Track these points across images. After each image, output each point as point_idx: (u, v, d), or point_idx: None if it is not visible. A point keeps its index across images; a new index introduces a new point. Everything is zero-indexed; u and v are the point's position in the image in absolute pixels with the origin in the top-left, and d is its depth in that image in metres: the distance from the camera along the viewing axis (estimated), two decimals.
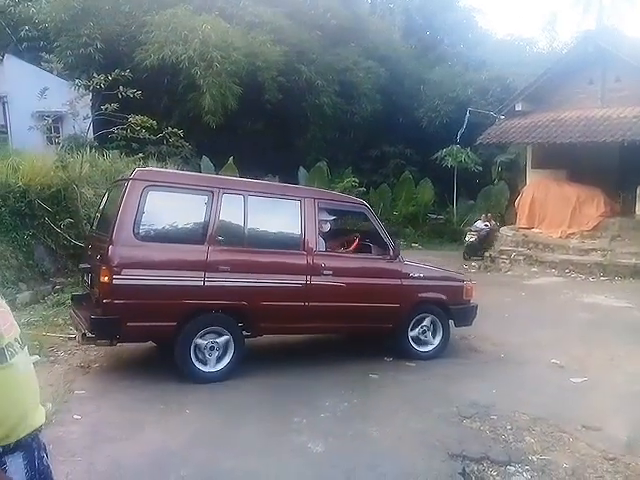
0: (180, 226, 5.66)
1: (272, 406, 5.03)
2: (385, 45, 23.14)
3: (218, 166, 17.24)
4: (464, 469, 3.97)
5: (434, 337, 6.70)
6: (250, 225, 5.75)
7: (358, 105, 20.51)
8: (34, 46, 18.22)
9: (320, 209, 6.20)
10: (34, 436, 1.62)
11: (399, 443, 4.37)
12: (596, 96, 13.82)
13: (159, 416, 4.72)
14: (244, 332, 5.81)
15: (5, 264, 8.03)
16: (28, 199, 8.71)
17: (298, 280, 5.89)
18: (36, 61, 16.39)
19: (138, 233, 5.26)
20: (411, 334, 6.56)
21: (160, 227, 5.52)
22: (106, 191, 6.78)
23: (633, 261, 12.07)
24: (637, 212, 13.21)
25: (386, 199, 19.90)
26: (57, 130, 16.38)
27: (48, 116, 13.75)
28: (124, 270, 5.16)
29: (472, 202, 19.94)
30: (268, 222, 6.02)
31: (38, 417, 1.66)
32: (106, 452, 4.02)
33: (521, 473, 3.96)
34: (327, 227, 6.39)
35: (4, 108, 16.38)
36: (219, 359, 5.55)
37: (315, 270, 5.94)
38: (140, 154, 12.56)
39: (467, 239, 15.66)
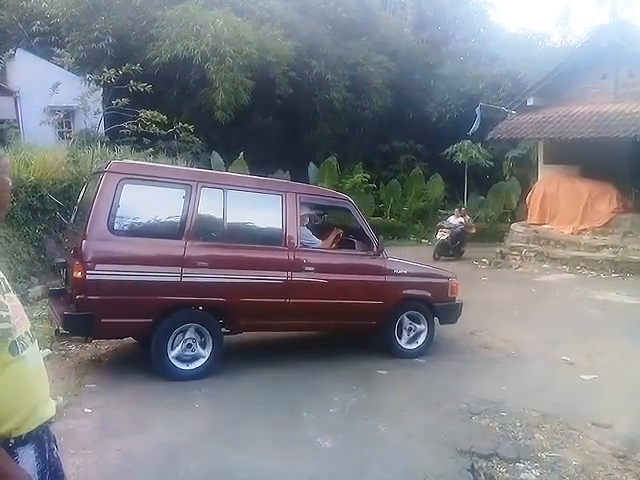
0: (157, 220, 5.50)
1: (281, 401, 5.04)
2: (396, 39, 23.03)
3: (228, 161, 17.26)
4: (473, 465, 3.96)
5: (418, 335, 6.59)
6: (230, 220, 5.62)
7: (368, 100, 20.42)
8: (46, 41, 18.28)
9: (302, 204, 6.09)
10: (45, 428, 1.64)
11: (408, 439, 4.37)
12: (609, 91, 13.67)
13: (168, 410, 4.74)
14: (223, 329, 5.70)
15: (17, 258, 8.10)
16: (40, 194, 8.76)
17: (279, 276, 5.77)
18: (48, 56, 16.48)
19: (113, 227, 5.13)
20: (396, 332, 6.46)
21: (136, 221, 5.38)
22: (84, 184, 6.59)
23: None
24: None
25: (396, 195, 19.86)
26: (68, 125, 16.47)
27: (59, 111, 13.83)
28: (98, 265, 5.02)
29: (483, 198, 19.85)
30: (248, 217, 5.91)
31: (49, 410, 1.67)
32: (116, 445, 4.05)
33: (530, 470, 3.95)
34: (306, 221, 6.31)
35: (16, 103, 16.46)
36: (197, 357, 5.45)
37: (296, 266, 5.83)
38: (150, 149, 12.62)
39: (438, 237, 14.58)
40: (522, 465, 4.01)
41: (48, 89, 13.28)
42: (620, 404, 5.15)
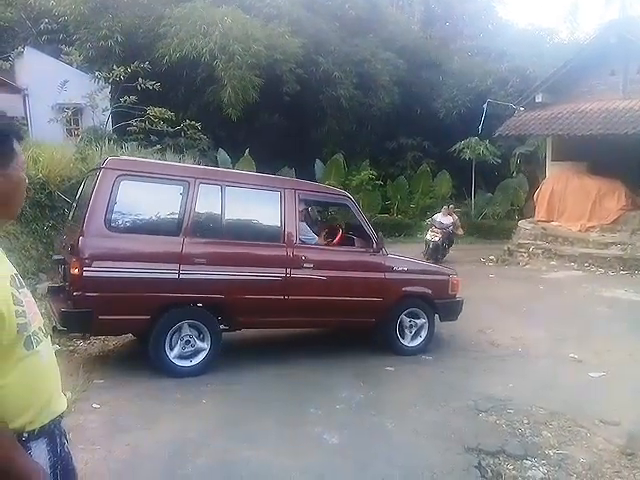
0: (154, 217, 5.48)
1: (288, 397, 5.05)
2: (404, 36, 22.97)
3: (235, 159, 17.29)
4: (480, 462, 3.96)
5: (420, 332, 6.58)
6: (228, 216, 5.61)
7: (376, 97, 20.38)
8: (54, 39, 18.36)
9: (301, 200, 6.08)
10: (57, 423, 1.65)
11: (415, 436, 4.37)
12: (618, 87, 13.58)
13: (176, 406, 4.77)
14: (222, 326, 5.69)
15: (26, 255, 8.14)
16: (48, 190, 8.81)
17: (277, 273, 5.75)
18: (56, 54, 16.55)
19: (110, 224, 5.11)
20: (397, 329, 6.44)
21: (133, 218, 5.36)
22: (82, 180, 6.60)
23: None
24: None
25: (403, 192, 19.84)
26: (76, 122, 16.53)
27: (68, 108, 13.90)
28: (95, 262, 5.00)
29: (490, 195, 19.80)
30: (247, 213, 5.90)
31: (61, 404, 1.69)
32: (124, 440, 4.07)
33: (537, 467, 3.94)
34: (304, 218, 6.29)
35: (24, 100, 16.52)
36: (195, 353, 5.44)
37: (295, 263, 5.81)
38: (158, 146, 12.66)
39: (430, 238, 13.47)
40: (529, 462, 4.00)
41: (56, 87, 13.35)
42: (628, 401, 5.12)
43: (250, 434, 4.29)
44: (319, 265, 5.96)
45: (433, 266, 7.15)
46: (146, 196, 5.47)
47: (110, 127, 13.93)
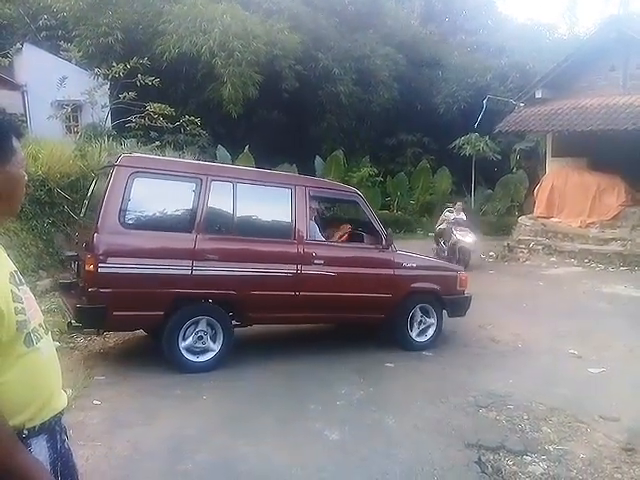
0: (167, 214, 5.52)
1: (288, 393, 5.06)
2: (403, 32, 22.94)
3: (234, 155, 17.27)
4: (480, 458, 3.96)
5: (428, 328, 6.62)
6: (239, 213, 5.65)
7: (375, 93, 20.35)
8: (52, 35, 18.33)
9: (311, 197, 6.12)
10: (57, 419, 1.65)
11: (415, 432, 4.38)
12: (618, 83, 13.56)
13: (177, 402, 4.77)
14: (233, 322, 5.75)
15: (25, 252, 8.15)
16: (47, 187, 8.81)
17: (288, 269, 5.79)
18: (55, 50, 16.51)
19: (124, 221, 5.16)
20: (408, 325, 6.48)
21: (147, 215, 5.39)
22: (94, 177, 6.65)
23: None
24: None
25: (403, 188, 19.82)
26: (76, 119, 16.52)
27: (67, 105, 13.85)
28: (110, 258, 5.06)
29: (490, 191, 19.79)
30: (258, 210, 5.92)
31: (61, 401, 1.69)
32: (125, 437, 4.08)
33: (537, 463, 3.95)
34: (314, 214, 6.33)
35: (23, 97, 16.52)
36: (207, 350, 5.48)
37: (306, 259, 5.85)
38: (157, 143, 12.63)
39: (460, 238, 11.62)
40: (529, 458, 4.01)
41: (55, 83, 13.30)
42: (628, 397, 5.13)
43: (250, 430, 4.29)
44: (329, 261, 6.01)
45: (441, 262, 7.19)
46: (159, 193, 5.53)
47: (109, 124, 13.87)
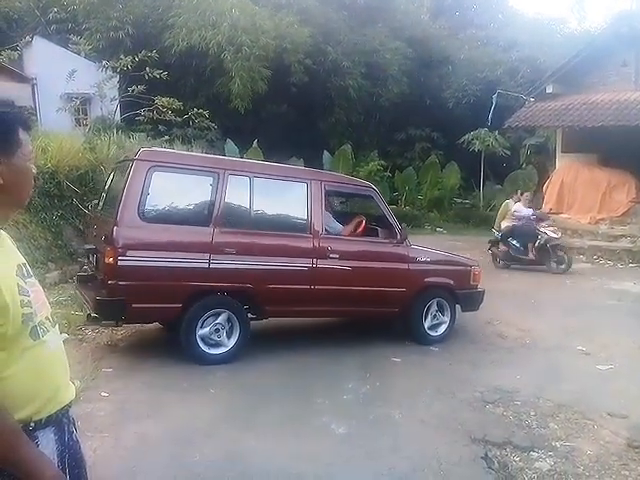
0: (185, 207, 5.59)
1: (295, 387, 5.07)
2: (413, 26, 22.79)
3: (243, 149, 17.27)
4: (486, 454, 3.96)
5: (441, 322, 6.65)
6: (256, 207, 5.70)
7: (384, 87, 20.26)
8: (62, 28, 18.36)
9: (327, 192, 6.16)
10: (65, 412, 1.66)
11: (421, 427, 4.38)
12: (630, 78, 13.45)
13: (184, 395, 4.79)
14: (249, 315, 5.80)
15: (34, 244, 8.19)
16: (57, 180, 8.85)
17: (304, 263, 5.84)
18: (64, 43, 16.55)
19: (143, 214, 5.20)
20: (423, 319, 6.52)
21: (165, 208, 5.43)
22: (111, 171, 6.72)
23: None
24: None
25: (411, 183, 19.73)
26: (85, 112, 16.56)
27: (76, 98, 13.91)
28: (129, 251, 5.12)
29: (499, 187, 19.67)
30: (274, 204, 5.97)
31: (69, 393, 1.69)
32: (132, 429, 4.11)
33: (544, 459, 3.94)
34: (328, 208, 6.36)
35: (33, 90, 16.57)
36: (224, 342, 5.53)
37: (321, 253, 5.89)
38: (166, 136, 12.66)
39: (551, 234, 10.74)
40: (536, 454, 4.00)
41: (65, 76, 13.35)
42: (636, 394, 5.10)
43: (257, 423, 4.31)
44: (344, 255, 6.05)
45: (455, 257, 7.18)
46: (177, 187, 5.57)
47: (118, 117, 13.94)
